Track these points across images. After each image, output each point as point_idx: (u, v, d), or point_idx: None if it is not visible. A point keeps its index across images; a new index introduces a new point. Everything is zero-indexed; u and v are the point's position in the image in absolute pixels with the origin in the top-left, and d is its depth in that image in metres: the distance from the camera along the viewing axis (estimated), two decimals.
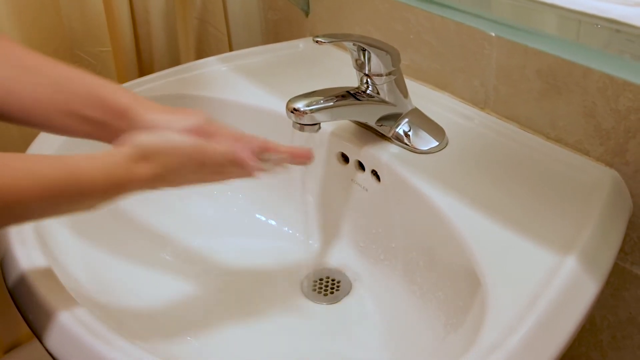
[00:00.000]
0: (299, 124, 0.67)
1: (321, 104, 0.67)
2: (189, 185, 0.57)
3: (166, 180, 0.55)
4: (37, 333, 0.53)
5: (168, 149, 0.55)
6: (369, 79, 0.70)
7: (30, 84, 0.57)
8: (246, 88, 0.86)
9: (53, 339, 0.52)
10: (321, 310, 0.72)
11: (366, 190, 0.74)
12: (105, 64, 0.98)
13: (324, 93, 0.68)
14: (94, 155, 0.52)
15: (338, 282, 0.75)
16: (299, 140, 0.71)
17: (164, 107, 0.59)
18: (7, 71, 0.57)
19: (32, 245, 0.59)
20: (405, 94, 0.73)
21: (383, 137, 0.73)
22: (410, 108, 0.73)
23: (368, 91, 0.71)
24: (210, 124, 0.59)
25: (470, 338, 0.51)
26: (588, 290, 0.54)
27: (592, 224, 0.59)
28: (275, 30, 1.11)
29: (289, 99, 0.67)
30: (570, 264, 0.55)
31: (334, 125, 0.76)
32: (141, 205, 0.76)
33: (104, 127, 0.57)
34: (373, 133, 0.74)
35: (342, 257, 0.78)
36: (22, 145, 0.76)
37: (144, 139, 0.54)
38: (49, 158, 0.51)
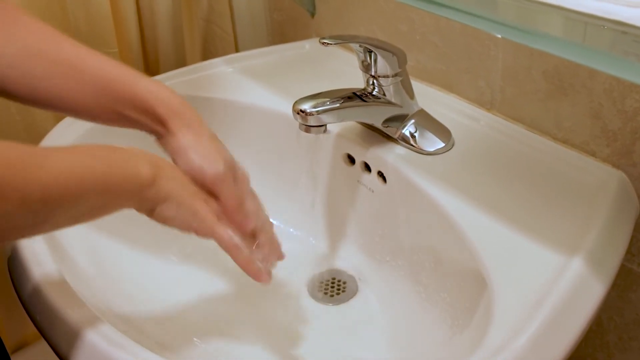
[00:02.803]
0: (306, 125, 0.67)
1: (327, 105, 0.67)
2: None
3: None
4: (45, 333, 0.54)
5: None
6: (375, 80, 0.70)
7: (72, 84, 0.58)
8: (252, 89, 0.87)
9: (61, 342, 0.52)
10: (327, 311, 0.72)
11: (372, 191, 0.74)
12: None
13: (330, 94, 0.68)
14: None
15: (344, 283, 0.75)
16: (305, 141, 0.71)
17: (196, 132, 0.58)
18: (46, 67, 0.57)
19: (39, 244, 0.59)
20: (411, 95, 0.73)
21: (389, 138, 0.73)
22: (416, 109, 0.74)
23: (374, 92, 0.71)
24: (234, 169, 0.59)
25: (476, 339, 0.51)
26: (594, 292, 0.54)
27: (598, 225, 0.59)
28: (281, 31, 1.11)
29: (295, 100, 0.67)
30: (576, 265, 0.55)
31: (340, 127, 0.76)
32: None
33: (145, 126, 0.59)
34: (379, 134, 0.74)
35: (348, 258, 0.78)
36: (24, 130, 0.76)
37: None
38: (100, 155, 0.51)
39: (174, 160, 0.58)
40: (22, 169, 0.43)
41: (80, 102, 0.58)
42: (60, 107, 0.58)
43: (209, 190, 0.57)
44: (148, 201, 0.53)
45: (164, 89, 0.60)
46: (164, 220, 0.55)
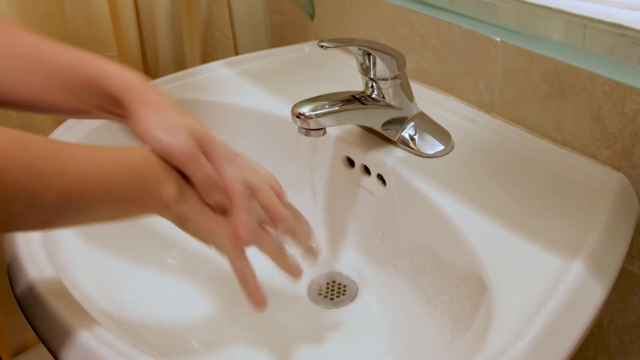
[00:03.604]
0: (305, 128, 0.67)
1: (326, 108, 0.67)
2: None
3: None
4: (44, 339, 0.54)
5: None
6: (374, 83, 0.70)
7: (27, 76, 0.56)
8: (252, 92, 0.87)
9: (61, 346, 0.52)
10: (327, 314, 0.72)
11: (372, 194, 0.74)
12: None
13: (330, 97, 0.68)
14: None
15: (344, 286, 0.75)
16: (305, 144, 0.71)
17: (156, 106, 0.55)
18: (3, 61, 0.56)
19: (37, 250, 0.59)
20: (410, 97, 0.73)
21: (389, 141, 0.73)
22: (415, 112, 0.73)
23: (373, 95, 0.71)
24: (204, 140, 0.54)
25: (476, 343, 0.51)
26: (595, 295, 0.54)
27: (598, 227, 0.59)
28: (280, 34, 1.11)
29: (294, 103, 0.67)
30: (577, 268, 0.54)
31: (339, 130, 0.76)
32: None
33: (107, 110, 0.57)
34: (379, 137, 0.74)
35: (348, 262, 0.77)
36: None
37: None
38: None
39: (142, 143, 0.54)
40: (36, 174, 0.43)
41: (37, 94, 0.56)
42: (20, 103, 0.56)
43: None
44: (167, 217, 0.53)
45: (124, 70, 0.57)
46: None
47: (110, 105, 0.56)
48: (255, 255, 0.66)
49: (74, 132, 0.76)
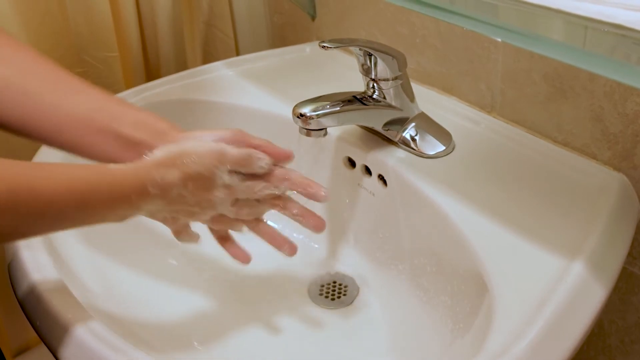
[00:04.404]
0: (306, 129, 0.67)
1: (327, 109, 0.67)
2: (207, 200, 0.57)
3: (190, 187, 0.55)
4: (45, 339, 0.54)
5: (191, 150, 0.55)
6: (375, 84, 0.70)
7: (68, 102, 0.57)
8: (253, 92, 0.87)
9: (62, 346, 0.52)
10: (328, 315, 0.72)
11: (373, 194, 0.74)
12: (112, 69, 0.98)
13: (330, 98, 0.68)
14: (124, 163, 0.53)
15: (345, 286, 0.75)
16: (306, 145, 0.71)
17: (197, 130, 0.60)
18: (40, 86, 0.57)
19: (39, 250, 0.59)
20: (411, 98, 0.73)
21: (390, 141, 0.73)
22: (416, 112, 0.73)
23: (374, 96, 0.71)
24: (243, 134, 0.60)
25: (477, 343, 0.51)
26: (596, 295, 0.54)
27: (599, 228, 0.59)
28: (281, 34, 1.12)
29: (295, 103, 0.67)
30: (577, 269, 0.54)
31: (340, 130, 0.76)
32: None
33: (139, 146, 0.57)
34: (380, 137, 0.74)
35: (349, 262, 0.78)
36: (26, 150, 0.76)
37: (171, 146, 0.56)
38: (80, 165, 0.51)
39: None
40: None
41: (67, 120, 0.57)
42: (36, 126, 0.57)
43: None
44: (179, 203, 0.55)
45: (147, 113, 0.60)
46: None
47: (151, 136, 0.57)
48: (255, 254, 0.67)
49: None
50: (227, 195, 0.58)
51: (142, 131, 0.57)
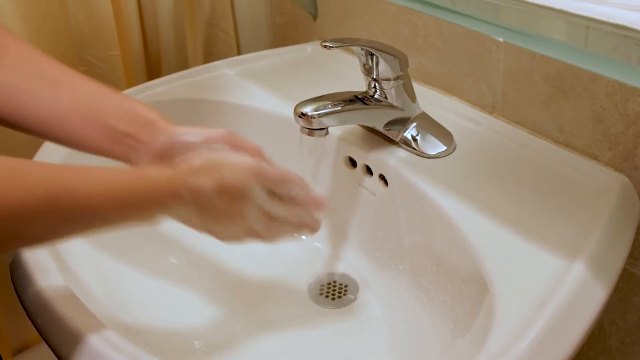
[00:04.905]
0: (307, 128, 0.67)
1: (329, 108, 0.67)
2: (241, 217, 0.56)
3: (223, 198, 0.55)
4: (45, 336, 0.54)
5: (228, 162, 0.55)
6: (376, 84, 0.70)
7: (56, 96, 0.57)
8: (254, 92, 0.87)
9: (62, 344, 0.52)
10: (328, 314, 0.72)
11: (374, 194, 0.74)
12: (113, 67, 0.98)
13: (332, 97, 0.68)
14: (162, 168, 0.54)
15: (345, 286, 0.75)
16: (307, 144, 0.71)
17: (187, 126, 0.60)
18: (28, 82, 0.57)
19: (40, 250, 0.59)
20: (413, 98, 0.73)
21: (391, 141, 0.73)
22: (418, 112, 0.73)
23: (376, 95, 0.71)
24: (235, 136, 0.60)
25: (477, 344, 0.51)
26: (596, 296, 0.54)
27: (600, 228, 0.59)
28: (283, 34, 1.12)
29: (296, 103, 0.67)
30: (578, 269, 0.54)
31: (341, 130, 0.76)
32: None
33: (127, 139, 0.57)
34: (381, 137, 0.74)
35: (349, 262, 0.78)
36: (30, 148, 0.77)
37: (210, 155, 0.56)
38: (118, 168, 0.51)
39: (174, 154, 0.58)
40: None
41: (59, 114, 0.57)
42: (32, 121, 0.58)
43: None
44: (211, 212, 0.55)
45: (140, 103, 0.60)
46: None
47: (138, 129, 0.58)
48: (255, 255, 0.67)
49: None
50: (258, 211, 0.57)
51: (130, 123, 0.57)
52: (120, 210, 0.50)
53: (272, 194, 0.58)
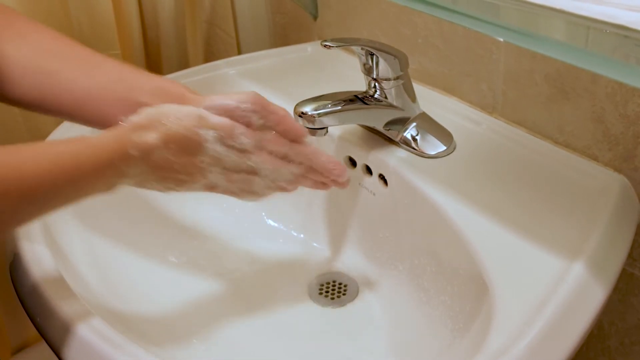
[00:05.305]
0: (307, 128, 0.67)
1: (329, 108, 0.67)
2: (192, 168, 0.55)
3: (173, 150, 0.54)
4: (46, 337, 0.54)
5: (169, 112, 0.55)
6: (376, 83, 0.70)
7: (88, 76, 0.58)
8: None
9: (61, 343, 0.52)
10: (328, 314, 0.72)
11: (373, 194, 0.74)
12: None
13: (332, 97, 0.68)
14: (103, 132, 0.53)
15: (345, 286, 0.75)
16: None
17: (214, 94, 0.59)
18: (58, 63, 0.58)
19: (40, 247, 0.59)
20: (413, 98, 0.73)
21: (391, 141, 0.73)
22: (418, 112, 0.73)
23: (376, 95, 0.71)
24: (262, 97, 0.59)
25: (477, 344, 0.51)
26: (596, 296, 0.54)
27: (600, 229, 0.59)
28: (283, 34, 1.12)
29: (296, 102, 0.67)
30: (577, 270, 0.54)
31: (341, 129, 0.76)
32: (150, 207, 0.77)
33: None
34: (381, 137, 0.74)
35: (349, 261, 0.78)
36: (27, 131, 0.77)
37: (150, 109, 0.55)
38: (61, 140, 0.51)
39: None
40: None
41: (91, 93, 0.58)
42: (62, 101, 0.58)
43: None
44: (161, 168, 0.54)
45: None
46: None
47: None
48: (255, 253, 0.66)
49: (75, 130, 0.76)
50: (215, 161, 0.56)
51: (161, 98, 0.57)
52: (71, 181, 0.49)
53: (235, 147, 0.57)
